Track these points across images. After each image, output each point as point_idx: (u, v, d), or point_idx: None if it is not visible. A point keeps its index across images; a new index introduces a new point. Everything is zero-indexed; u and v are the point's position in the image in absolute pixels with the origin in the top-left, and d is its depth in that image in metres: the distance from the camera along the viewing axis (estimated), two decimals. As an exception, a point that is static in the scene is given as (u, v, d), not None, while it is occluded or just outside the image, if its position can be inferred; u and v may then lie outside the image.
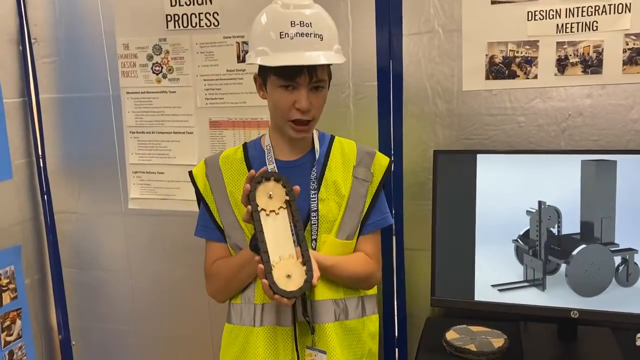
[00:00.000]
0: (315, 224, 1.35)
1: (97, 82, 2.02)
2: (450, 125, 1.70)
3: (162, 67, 1.94)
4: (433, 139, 1.72)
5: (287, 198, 1.24)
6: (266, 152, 1.39)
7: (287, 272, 1.18)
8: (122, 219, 2.10)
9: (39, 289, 2.17)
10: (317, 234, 1.36)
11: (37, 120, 2.09)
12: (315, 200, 1.36)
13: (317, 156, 1.39)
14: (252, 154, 1.42)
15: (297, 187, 1.25)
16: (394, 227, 1.75)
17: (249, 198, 1.22)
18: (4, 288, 1.93)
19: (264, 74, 1.31)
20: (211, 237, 1.43)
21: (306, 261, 1.20)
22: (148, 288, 2.13)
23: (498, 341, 1.48)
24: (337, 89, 1.75)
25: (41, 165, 2.12)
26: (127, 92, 2.00)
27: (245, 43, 1.83)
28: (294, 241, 1.23)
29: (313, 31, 1.27)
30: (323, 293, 1.35)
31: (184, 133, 1.97)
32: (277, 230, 1.22)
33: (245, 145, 1.45)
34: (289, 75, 1.26)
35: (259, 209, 1.22)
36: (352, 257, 1.40)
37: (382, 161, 1.45)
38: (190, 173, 1.46)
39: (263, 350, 1.33)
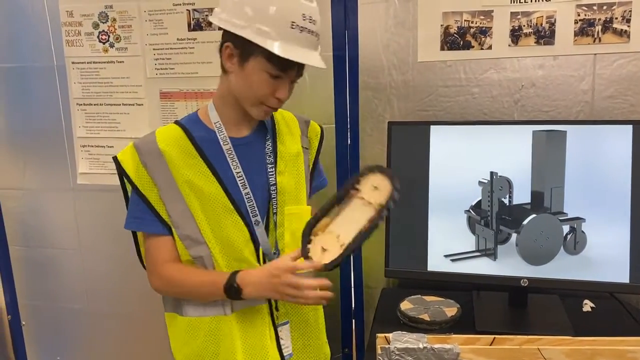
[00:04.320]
0: (274, 198, 1.33)
1: (40, 51, 1.93)
2: (405, 96, 1.69)
3: (109, 36, 1.86)
4: (388, 110, 1.71)
5: (385, 203, 1.20)
6: (217, 130, 1.29)
7: (323, 245, 1.20)
8: (70, 195, 2.03)
9: (-16, 269, 2.09)
10: (276, 207, 1.33)
11: (-24, 91, 1.99)
12: (273, 174, 1.33)
13: (268, 130, 1.36)
14: (197, 135, 1.29)
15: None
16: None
17: (354, 180, 1.21)
18: (-55, 268, 1.85)
19: (248, 49, 1.19)
20: (153, 230, 1.29)
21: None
22: (99, 265, 2.07)
23: (451, 310, 1.49)
24: (292, 59, 1.71)
25: (-19, 139, 2.02)
26: (73, 62, 1.91)
27: (197, 10, 1.76)
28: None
29: (316, 29, 1.23)
30: None
31: (133, 105, 1.90)
32: (352, 217, 1.21)
33: (180, 124, 1.31)
34: (283, 67, 1.20)
35: (359, 194, 1.21)
36: None
37: (316, 127, 1.45)
38: (116, 159, 1.29)
39: (239, 335, 1.29)
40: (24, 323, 2.19)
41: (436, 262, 1.51)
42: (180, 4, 1.77)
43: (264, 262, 1.30)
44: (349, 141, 1.75)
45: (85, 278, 2.09)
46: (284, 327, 1.35)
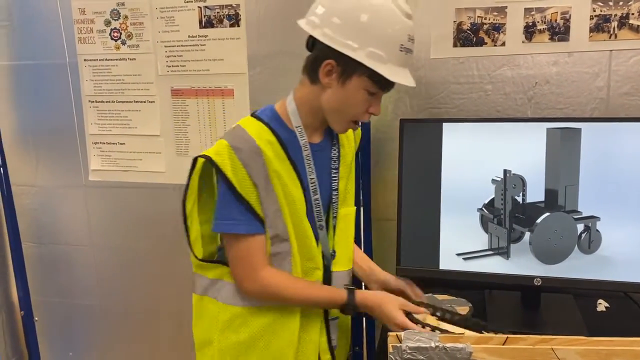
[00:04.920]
0: (335, 202, 1.37)
1: (53, 48, 1.93)
2: (417, 93, 1.68)
3: (120, 33, 1.86)
4: (401, 107, 1.70)
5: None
6: (298, 134, 1.28)
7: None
8: (82, 192, 2.04)
9: (-2, 265, 2.11)
10: (336, 211, 1.38)
11: (-10, 88, 2.01)
12: (336, 180, 1.37)
13: (333, 136, 1.38)
14: (283, 136, 1.27)
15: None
16: (362, 199, 1.74)
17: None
18: (-41, 264, 1.87)
19: (352, 68, 1.19)
20: (250, 230, 1.25)
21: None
22: (111, 261, 2.08)
23: (463, 309, 1.48)
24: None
25: (-5, 136, 2.04)
26: (85, 60, 1.92)
27: (208, 8, 1.76)
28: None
29: (414, 48, 1.26)
30: (345, 264, 1.41)
31: (145, 102, 1.90)
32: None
33: (263, 121, 1.27)
34: (385, 87, 1.23)
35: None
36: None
37: (358, 131, 1.49)
38: (211, 160, 1.21)
39: (297, 326, 1.32)
40: (36, 319, 2.21)
41: (448, 260, 1.50)
42: (191, 1, 1.77)
43: (324, 261, 1.36)
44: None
45: (97, 274, 2.10)
46: (333, 322, 1.41)
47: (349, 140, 1.43)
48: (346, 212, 1.41)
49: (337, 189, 1.37)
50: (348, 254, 1.42)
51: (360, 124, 1.33)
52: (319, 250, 1.34)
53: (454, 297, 1.55)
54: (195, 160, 1.24)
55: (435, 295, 1.55)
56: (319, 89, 1.24)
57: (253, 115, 1.31)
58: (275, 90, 1.73)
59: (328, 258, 1.37)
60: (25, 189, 2.09)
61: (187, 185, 1.28)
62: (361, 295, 1.31)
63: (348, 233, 1.42)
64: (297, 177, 1.28)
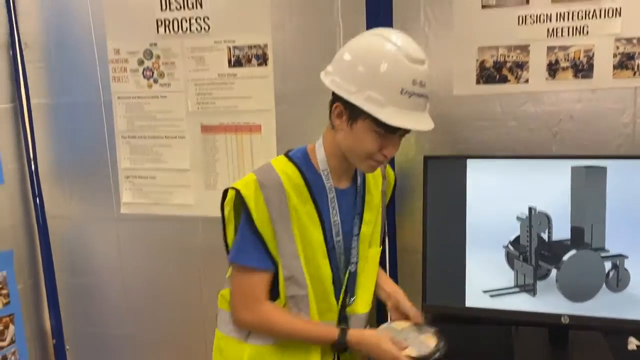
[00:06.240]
0: (355, 248, 1.39)
1: (88, 87, 2.01)
2: (441, 129, 1.67)
3: (153, 72, 1.94)
4: (424, 143, 1.71)
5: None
6: (324, 178, 1.32)
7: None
8: (114, 224, 2.09)
9: (32, 294, 2.17)
10: (357, 256, 1.40)
11: (29, 125, 2.09)
12: (357, 225, 1.39)
13: (358, 182, 1.40)
14: (310, 178, 1.32)
15: None
16: (386, 231, 1.75)
17: None
18: (-4, 294, 1.93)
19: (357, 111, 1.22)
20: (263, 265, 1.30)
21: None
22: (141, 292, 2.12)
23: (427, 337, 1.39)
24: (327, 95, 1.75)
25: (33, 170, 2.12)
26: (119, 97, 1.99)
27: (237, 48, 1.82)
28: None
29: (425, 92, 1.25)
30: (364, 307, 1.43)
31: (175, 137, 1.96)
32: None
33: (294, 162, 1.33)
34: (391, 130, 1.22)
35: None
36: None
37: (392, 174, 1.53)
38: (239, 193, 1.27)
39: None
40: (67, 347, 2.25)
41: (474, 297, 1.50)
42: (220, 42, 1.84)
43: (342, 303, 1.39)
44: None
45: (128, 304, 2.14)
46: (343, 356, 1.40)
47: (377, 185, 1.45)
48: (367, 254, 1.43)
49: (357, 234, 1.39)
50: (368, 296, 1.43)
51: (385, 160, 1.31)
52: (334, 292, 1.36)
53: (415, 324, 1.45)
54: (225, 191, 1.31)
55: (392, 325, 1.45)
56: (336, 132, 1.29)
57: (286, 154, 1.36)
58: (301, 127, 1.79)
59: (347, 300, 1.40)
60: (60, 221, 2.16)
61: (223, 217, 1.33)
62: (356, 335, 1.31)
63: (371, 274, 1.45)
64: (319, 219, 1.31)
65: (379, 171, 1.45)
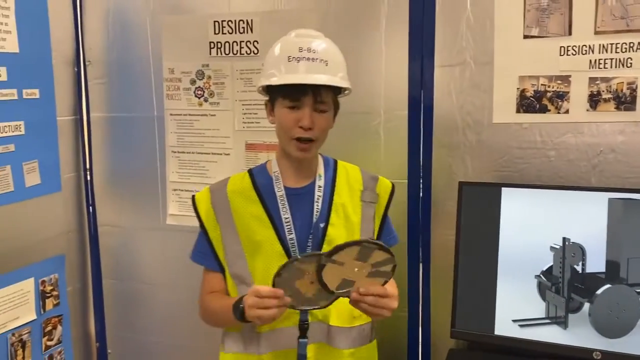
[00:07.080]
0: (319, 248, 1.39)
1: (144, 103, 2.13)
2: (479, 156, 1.70)
3: (204, 91, 2.04)
4: (462, 169, 1.72)
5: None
6: (274, 178, 1.42)
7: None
8: (160, 234, 2.18)
9: (80, 298, 2.26)
10: None
11: (87, 137, 2.22)
12: (317, 223, 1.40)
13: (322, 182, 1.43)
14: (259, 181, 1.44)
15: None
16: (420, 256, 1.76)
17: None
18: (47, 295, 2.03)
19: (273, 98, 1.38)
20: (209, 265, 1.46)
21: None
22: (183, 302, 2.17)
23: None
24: (369, 117, 1.79)
25: (88, 179, 2.23)
26: (171, 114, 2.10)
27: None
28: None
29: (318, 57, 1.34)
30: (341, 320, 1.38)
31: (221, 154, 2.05)
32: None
33: (250, 172, 1.48)
34: (295, 95, 1.33)
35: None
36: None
37: (386, 183, 1.50)
38: (193, 198, 1.48)
39: None
40: (109, 351, 2.33)
41: (504, 326, 1.49)
42: (268, 64, 1.92)
43: None
44: (421, 196, 1.78)
45: (169, 313, 2.21)
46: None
47: (352, 191, 1.44)
48: None
49: (323, 235, 1.38)
50: (345, 308, 1.33)
51: (304, 142, 1.34)
52: None
53: None
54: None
55: None
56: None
57: (249, 169, 1.50)
58: (334, 143, 1.82)
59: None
60: (110, 229, 2.26)
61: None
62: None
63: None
64: (269, 218, 1.37)
65: (355, 178, 1.47)
